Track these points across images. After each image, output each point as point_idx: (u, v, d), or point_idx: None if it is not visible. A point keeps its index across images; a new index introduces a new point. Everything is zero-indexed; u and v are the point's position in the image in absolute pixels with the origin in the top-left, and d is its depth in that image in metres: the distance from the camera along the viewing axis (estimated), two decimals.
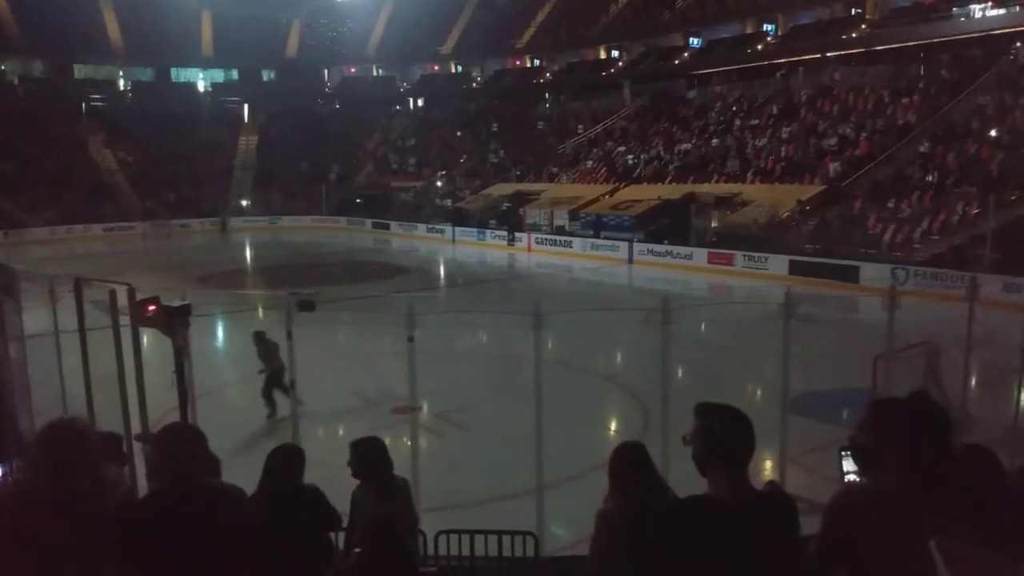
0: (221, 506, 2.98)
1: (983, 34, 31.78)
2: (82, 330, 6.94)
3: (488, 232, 36.39)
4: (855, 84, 33.98)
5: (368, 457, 4.22)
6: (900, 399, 2.53)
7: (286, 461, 4.04)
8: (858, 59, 36.25)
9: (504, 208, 37.53)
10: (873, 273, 21.22)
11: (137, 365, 6.26)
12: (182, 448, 2.99)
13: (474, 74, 59.67)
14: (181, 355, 6.46)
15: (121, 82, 56.95)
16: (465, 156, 50.16)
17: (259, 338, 11.49)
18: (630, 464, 3.80)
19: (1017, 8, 30.67)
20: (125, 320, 6.33)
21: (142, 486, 3.80)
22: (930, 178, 25.57)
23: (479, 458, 10.21)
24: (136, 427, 6.14)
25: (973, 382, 7.69)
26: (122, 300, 6.30)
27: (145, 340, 6.55)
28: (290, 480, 3.99)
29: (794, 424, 6.85)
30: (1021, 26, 30.62)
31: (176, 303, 6.46)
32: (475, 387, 13.35)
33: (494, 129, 51.72)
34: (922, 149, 27.38)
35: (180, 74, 59.26)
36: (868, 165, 28.30)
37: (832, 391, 11.33)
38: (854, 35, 37.07)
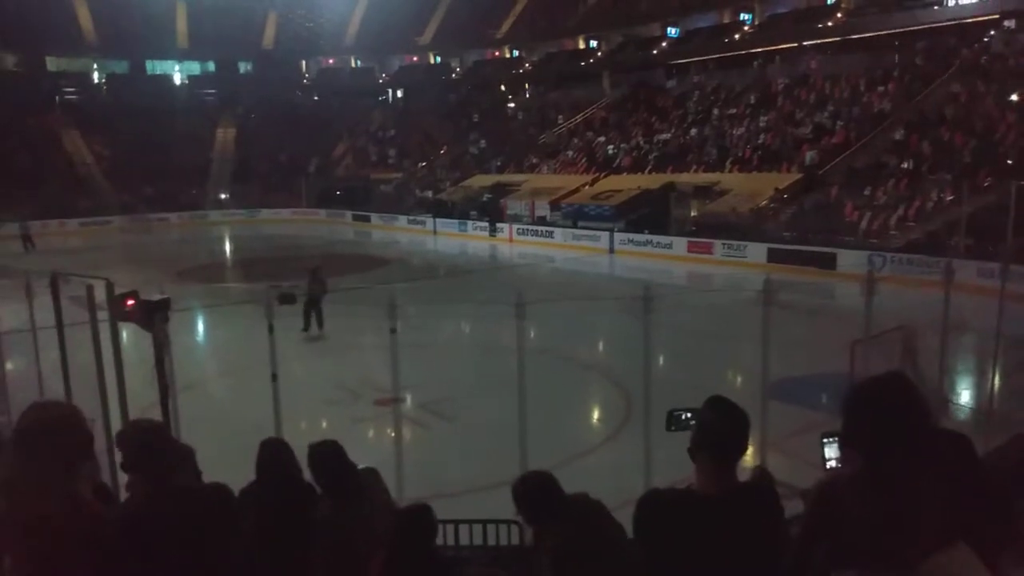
0: (206, 511, 2.93)
1: (956, 23, 32.12)
2: (60, 326, 6.87)
3: (469, 223, 36.36)
4: (831, 73, 34.25)
5: (314, 467, 3.96)
6: (879, 378, 2.57)
7: (285, 453, 4.03)
8: (834, 48, 36.53)
9: (485, 199, 37.52)
10: (850, 260, 21.46)
11: (116, 360, 6.20)
12: (153, 451, 2.94)
13: (453, 65, 59.42)
14: (161, 350, 6.41)
15: (95, 75, 56.09)
16: (445, 147, 50.00)
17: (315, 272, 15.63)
18: (554, 492, 3.68)
19: None
20: (104, 316, 6.27)
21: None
22: (905, 165, 25.86)
23: (463, 448, 10.25)
24: (116, 422, 6.10)
25: (949, 366, 7.81)
26: (100, 295, 6.24)
27: (124, 335, 6.51)
28: (292, 474, 3.98)
29: (774, 409, 6.93)
30: (993, 15, 30.98)
31: (155, 297, 6.40)
32: (458, 377, 13.36)
33: (474, 120, 51.59)
34: (897, 137, 27.68)
35: (155, 66, 58.47)
36: (844, 153, 28.57)
37: (811, 376, 11.46)
38: (830, 24, 37.33)
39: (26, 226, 33.66)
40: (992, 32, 31.09)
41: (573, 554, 3.43)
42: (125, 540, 2.66)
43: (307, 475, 4.01)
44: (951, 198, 22.74)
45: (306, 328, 15.42)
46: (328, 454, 3.98)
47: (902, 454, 2.32)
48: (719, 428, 2.63)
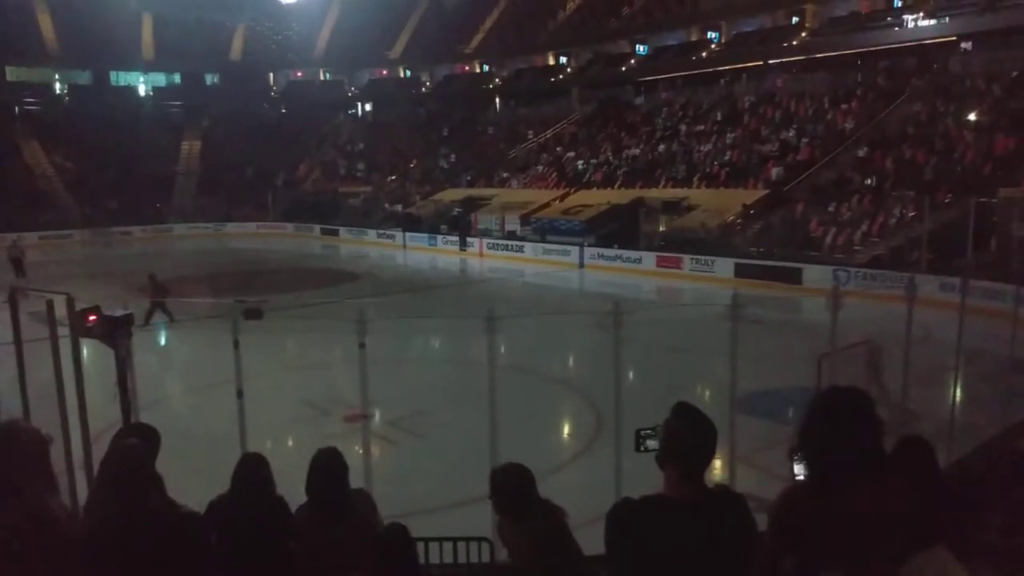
0: (182, 534, 2.88)
1: (916, 43, 32.99)
2: (18, 342, 6.68)
3: (439, 237, 36.28)
4: (796, 91, 34.92)
5: (312, 473, 3.90)
6: (829, 393, 2.63)
7: (262, 468, 3.95)
8: (799, 66, 37.27)
9: (455, 213, 37.48)
10: (816, 275, 21.79)
11: (77, 377, 6.05)
12: (133, 470, 2.89)
13: (423, 79, 59.49)
14: (124, 366, 6.26)
15: (57, 85, 55.08)
16: (415, 161, 49.94)
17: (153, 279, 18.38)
18: (529, 484, 3.87)
19: (947, 19, 31.91)
20: (64, 331, 6.12)
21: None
22: (869, 182, 26.38)
23: (433, 465, 10.16)
24: (77, 441, 5.94)
25: (912, 379, 7.94)
26: (61, 310, 6.09)
27: (85, 352, 6.35)
28: (266, 488, 3.91)
29: (742, 423, 6.97)
30: (951, 37, 31.86)
31: (118, 312, 6.26)
32: (428, 393, 13.27)
33: (444, 134, 51.63)
34: (860, 154, 28.25)
35: (120, 77, 57.59)
36: (809, 170, 29.08)
37: (778, 390, 11.57)
38: (794, 43, 38.11)
39: (20, 247, 28.25)
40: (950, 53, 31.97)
41: (551, 545, 3.63)
42: (93, 558, 2.61)
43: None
44: (913, 214, 23.23)
45: (144, 325, 16.88)
46: (323, 463, 3.90)
47: (845, 468, 2.36)
48: (686, 436, 2.63)
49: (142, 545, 2.72)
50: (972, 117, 26.94)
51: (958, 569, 2.24)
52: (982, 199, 20.99)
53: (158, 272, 20.55)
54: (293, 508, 4.02)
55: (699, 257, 25.86)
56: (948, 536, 2.34)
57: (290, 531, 3.90)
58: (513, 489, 3.86)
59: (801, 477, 3.44)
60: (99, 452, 4.39)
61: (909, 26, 33.05)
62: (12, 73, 53.41)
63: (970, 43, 31.54)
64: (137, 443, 3.26)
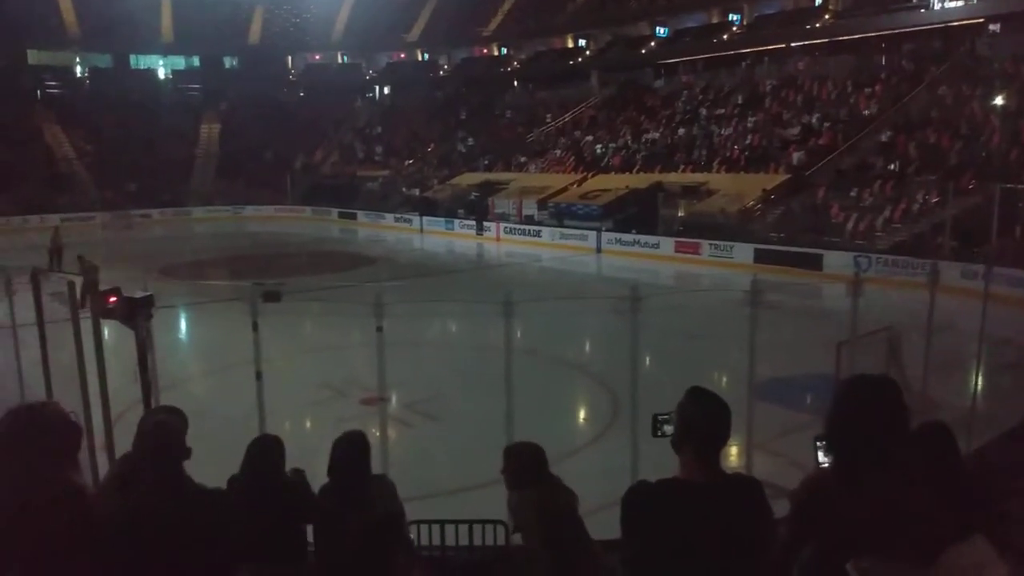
0: (212, 511, 2.93)
1: (942, 25, 32.38)
2: (40, 323, 6.76)
3: (456, 222, 36.28)
4: (818, 74, 34.42)
5: (336, 453, 3.98)
6: (854, 381, 2.60)
7: (271, 449, 3.99)
8: (821, 49, 36.74)
9: (473, 198, 37.44)
10: (836, 261, 21.59)
11: (99, 358, 6.11)
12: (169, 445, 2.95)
13: (441, 62, 59.29)
14: (144, 348, 6.32)
15: (78, 68, 55.53)
16: (433, 145, 49.87)
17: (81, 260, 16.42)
18: (542, 461, 4.06)
19: (975, 1, 31.27)
20: (86, 312, 6.18)
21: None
22: (891, 167, 26.02)
23: (449, 448, 10.21)
24: (98, 421, 6.01)
25: (933, 367, 7.85)
26: None
27: (106, 333, 6.41)
28: (275, 469, 3.94)
29: (760, 410, 6.93)
30: (978, 18, 31.23)
31: (138, 294, 6.31)
32: (445, 377, 13.31)
33: (462, 117, 51.49)
34: (883, 139, 27.85)
35: (140, 60, 57.99)
36: (831, 154, 28.72)
37: (797, 377, 11.50)
38: (817, 25, 37.54)
39: (59, 238, 25.62)
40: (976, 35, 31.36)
41: (556, 516, 3.76)
42: (126, 534, 2.66)
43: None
44: (936, 200, 22.91)
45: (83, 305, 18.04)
46: (343, 447, 3.96)
47: (873, 457, 2.34)
48: (701, 419, 2.63)
49: (175, 520, 2.78)
50: (999, 101, 26.43)
51: (996, 561, 2.21)
52: (1007, 185, 20.64)
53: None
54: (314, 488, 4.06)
55: (718, 242, 25.69)
56: (983, 526, 2.31)
57: (302, 512, 3.95)
58: (524, 463, 3.95)
59: (826, 464, 3.42)
60: (120, 432, 4.45)
61: (936, 7, 32.41)
62: (33, 56, 53.88)
63: (999, 25, 30.88)
64: (169, 419, 3.31)
